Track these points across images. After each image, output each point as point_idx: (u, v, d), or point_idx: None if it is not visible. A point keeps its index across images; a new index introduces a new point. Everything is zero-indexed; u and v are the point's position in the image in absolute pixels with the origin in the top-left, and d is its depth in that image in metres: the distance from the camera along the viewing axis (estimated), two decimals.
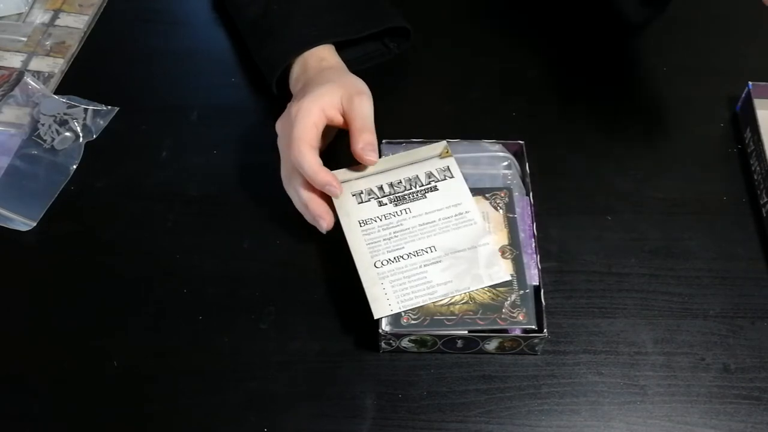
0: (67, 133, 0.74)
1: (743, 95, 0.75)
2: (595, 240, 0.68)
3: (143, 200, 0.71)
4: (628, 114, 0.77)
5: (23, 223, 0.69)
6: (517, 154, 0.69)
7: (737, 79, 0.76)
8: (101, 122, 0.75)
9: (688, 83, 0.79)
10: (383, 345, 0.61)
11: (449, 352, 0.62)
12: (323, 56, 0.70)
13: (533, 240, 0.64)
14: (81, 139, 0.74)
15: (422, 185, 0.65)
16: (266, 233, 0.68)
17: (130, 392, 0.60)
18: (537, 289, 0.61)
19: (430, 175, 0.66)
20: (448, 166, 0.66)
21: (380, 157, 0.67)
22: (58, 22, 0.83)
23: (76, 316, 0.64)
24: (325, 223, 0.63)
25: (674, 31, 0.84)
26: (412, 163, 0.66)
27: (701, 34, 0.84)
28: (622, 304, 0.65)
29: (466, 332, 0.59)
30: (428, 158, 0.67)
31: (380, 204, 0.64)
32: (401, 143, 0.69)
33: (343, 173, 0.66)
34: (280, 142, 0.66)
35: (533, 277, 0.62)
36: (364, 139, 0.64)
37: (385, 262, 0.61)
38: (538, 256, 0.63)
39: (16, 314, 0.64)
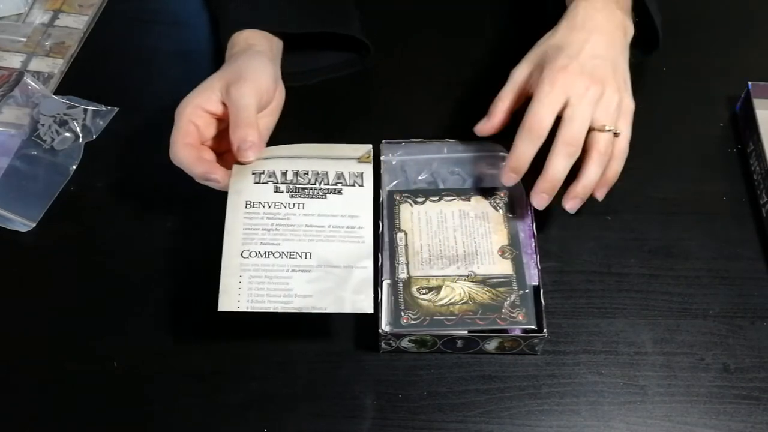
0: (67, 134, 0.74)
1: (743, 95, 0.75)
2: (595, 240, 0.68)
3: (143, 200, 0.71)
4: None
5: (23, 224, 0.68)
6: None
7: (737, 79, 0.76)
8: (101, 122, 0.75)
9: (688, 83, 0.79)
10: (383, 345, 0.61)
11: (449, 352, 0.62)
12: (235, 42, 0.67)
13: (533, 240, 0.64)
14: (81, 140, 0.74)
15: (327, 184, 0.60)
16: None
17: (130, 392, 0.60)
18: (537, 289, 0.61)
19: (340, 176, 0.61)
20: (362, 173, 0.61)
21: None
22: (57, 22, 0.83)
23: (76, 317, 0.64)
24: (217, 182, 0.60)
25: (674, 31, 0.83)
26: (327, 158, 0.62)
27: (701, 34, 0.84)
28: (622, 304, 0.65)
29: (466, 332, 0.59)
30: (346, 158, 0.62)
31: (276, 190, 0.60)
32: (400, 143, 0.69)
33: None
34: None
35: (533, 277, 0.62)
36: (238, 137, 0.59)
37: (253, 254, 0.57)
38: (538, 256, 0.63)
39: (16, 314, 0.64)
